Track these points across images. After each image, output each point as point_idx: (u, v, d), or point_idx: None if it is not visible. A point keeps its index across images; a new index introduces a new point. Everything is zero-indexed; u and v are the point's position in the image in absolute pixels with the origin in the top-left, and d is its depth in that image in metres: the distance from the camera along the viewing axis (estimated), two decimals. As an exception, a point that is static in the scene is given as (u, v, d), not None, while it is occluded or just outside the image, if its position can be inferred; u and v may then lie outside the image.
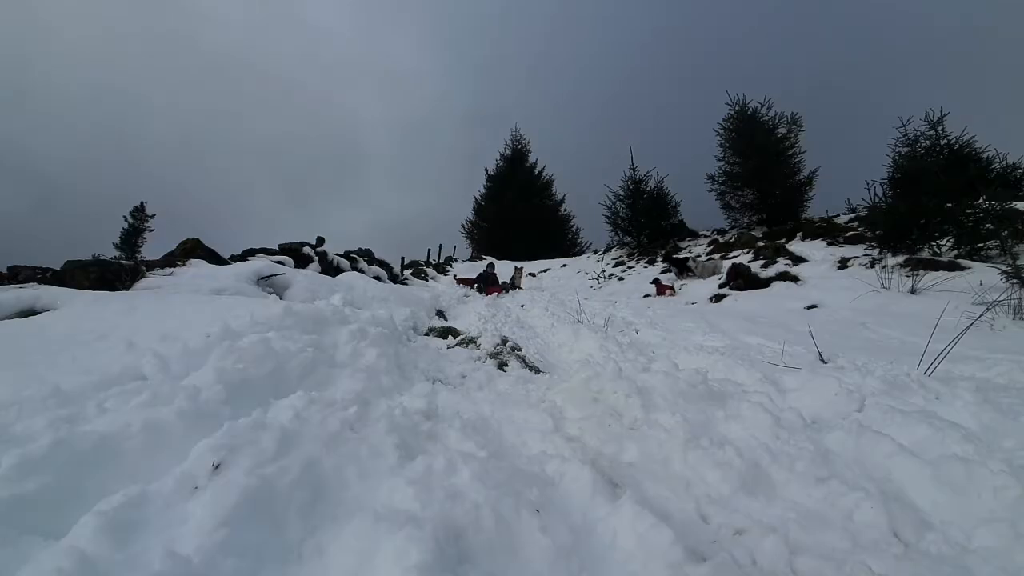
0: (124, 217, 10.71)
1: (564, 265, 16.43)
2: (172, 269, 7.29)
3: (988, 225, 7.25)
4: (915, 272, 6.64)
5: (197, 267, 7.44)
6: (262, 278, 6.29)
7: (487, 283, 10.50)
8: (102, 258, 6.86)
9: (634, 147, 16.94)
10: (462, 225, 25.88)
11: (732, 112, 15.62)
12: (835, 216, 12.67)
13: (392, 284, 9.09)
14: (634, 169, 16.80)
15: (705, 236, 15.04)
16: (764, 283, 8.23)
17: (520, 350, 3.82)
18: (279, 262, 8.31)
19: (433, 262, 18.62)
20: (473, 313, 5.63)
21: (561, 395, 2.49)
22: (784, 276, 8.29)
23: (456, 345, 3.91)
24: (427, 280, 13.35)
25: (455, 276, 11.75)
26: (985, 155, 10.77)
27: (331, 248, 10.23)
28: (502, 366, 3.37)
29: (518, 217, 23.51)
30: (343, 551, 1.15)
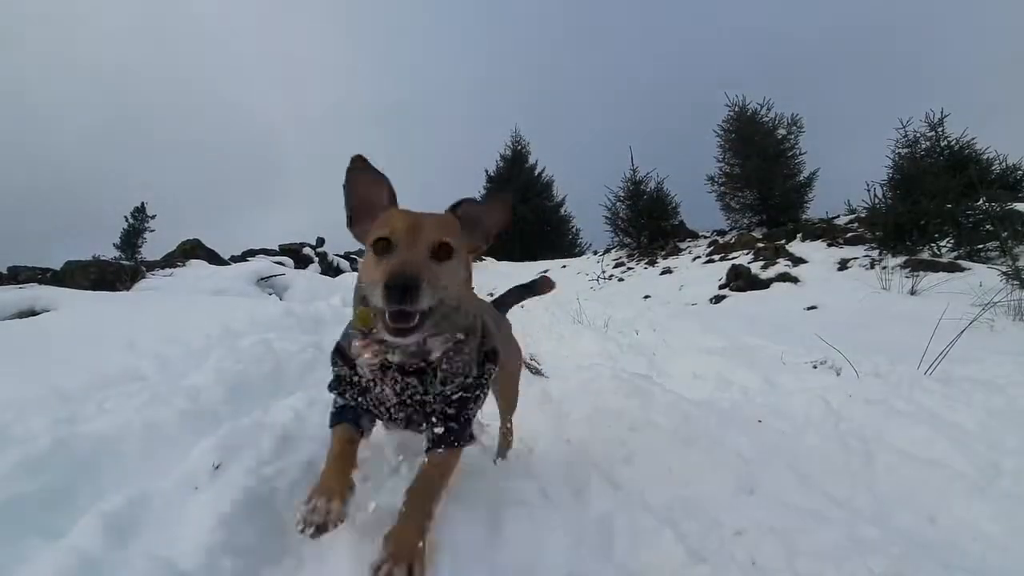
0: (125, 217, 10.73)
1: (564, 266, 16.43)
2: (172, 270, 7.31)
3: (988, 226, 7.25)
4: (915, 273, 6.64)
5: (197, 267, 7.46)
6: (262, 279, 6.30)
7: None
8: (102, 258, 6.87)
9: (634, 148, 16.97)
10: (462, 226, 25.85)
11: (732, 113, 15.63)
12: (835, 217, 12.67)
13: (392, 285, 9.09)
14: (634, 170, 16.82)
15: (705, 237, 15.03)
16: (764, 284, 8.23)
17: (520, 351, 3.82)
18: (279, 263, 8.33)
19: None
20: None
21: (561, 395, 2.49)
22: (784, 277, 8.29)
23: (456, 346, 3.92)
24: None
25: None
26: (985, 156, 10.78)
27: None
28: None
29: (518, 218, 23.51)
30: (344, 551, 1.15)
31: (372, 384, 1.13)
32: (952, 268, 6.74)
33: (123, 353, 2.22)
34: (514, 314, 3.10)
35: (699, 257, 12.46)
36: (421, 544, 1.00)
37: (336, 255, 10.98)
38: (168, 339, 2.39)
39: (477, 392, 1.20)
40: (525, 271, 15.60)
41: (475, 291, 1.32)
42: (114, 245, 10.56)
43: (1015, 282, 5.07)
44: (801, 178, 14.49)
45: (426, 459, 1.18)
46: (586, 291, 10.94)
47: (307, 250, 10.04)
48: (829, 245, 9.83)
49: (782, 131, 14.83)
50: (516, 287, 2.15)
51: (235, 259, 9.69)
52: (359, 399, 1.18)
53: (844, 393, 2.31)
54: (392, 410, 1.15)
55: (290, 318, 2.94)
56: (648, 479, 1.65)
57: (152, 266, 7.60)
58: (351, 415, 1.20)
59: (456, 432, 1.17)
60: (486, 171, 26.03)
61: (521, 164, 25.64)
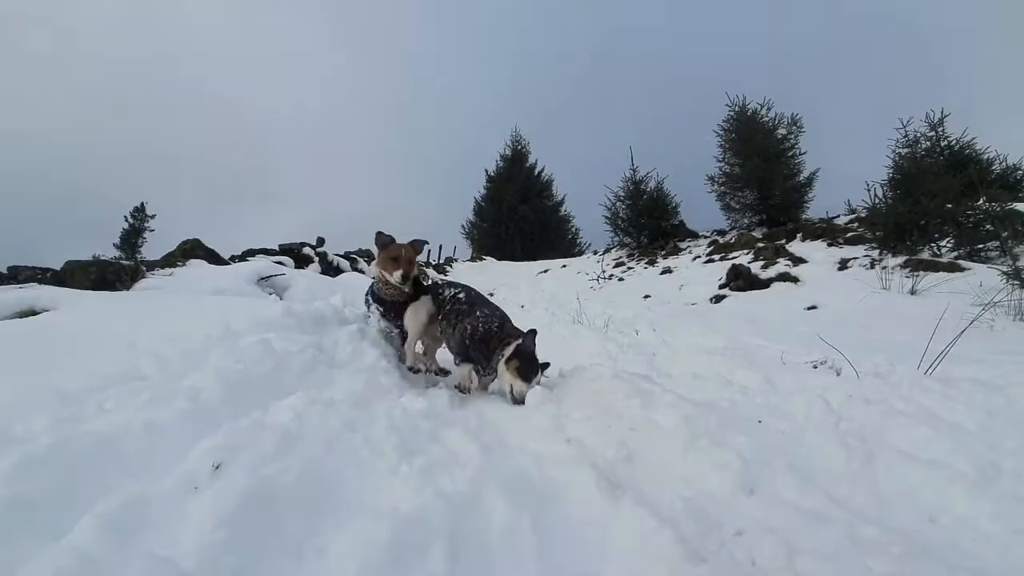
0: (124, 217, 10.72)
1: (564, 266, 16.42)
2: (172, 269, 7.31)
3: (988, 226, 7.25)
4: (915, 273, 6.64)
5: (197, 267, 7.46)
6: (262, 278, 6.30)
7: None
8: (102, 258, 6.87)
9: (634, 147, 16.96)
10: (462, 225, 25.92)
11: (732, 113, 15.62)
12: (835, 217, 12.67)
13: (392, 285, 9.09)
14: (634, 170, 16.82)
15: (705, 237, 15.03)
16: (764, 284, 8.24)
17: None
18: (279, 262, 8.33)
19: (433, 263, 18.63)
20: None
21: (561, 395, 2.49)
22: (784, 277, 8.28)
23: (456, 346, 3.91)
24: (428, 281, 13.32)
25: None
26: (985, 156, 10.78)
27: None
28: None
29: (518, 217, 23.54)
30: (344, 551, 1.15)
31: None
32: (952, 268, 6.74)
33: (123, 353, 2.22)
34: (513, 315, 3.07)
35: (699, 257, 12.46)
36: None
37: (336, 255, 10.98)
38: (168, 339, 2.39)
39: None
40: (525, 270, 15.60)
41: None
42: (114, 245, 10.55)
43: (1015, 282, 5.07)
44: (801, 178, 14.48)
45: None
46: (586, 291, 10.94)
47: (307, 250, 10.04)
48: (829, 245, 9.82)
49: (782, 131, 14.82)
50: None
51: (235, 259, 9.69)
52: None
53: (844, 393, 2.31)
54: None
55: (290, 318, 2.94)
56: (648, 479, 1.66)
57: (152, 266, 7.60)
58: None
59: None
60: (486, 171, 26.07)
61: (521, 164, 25.66)
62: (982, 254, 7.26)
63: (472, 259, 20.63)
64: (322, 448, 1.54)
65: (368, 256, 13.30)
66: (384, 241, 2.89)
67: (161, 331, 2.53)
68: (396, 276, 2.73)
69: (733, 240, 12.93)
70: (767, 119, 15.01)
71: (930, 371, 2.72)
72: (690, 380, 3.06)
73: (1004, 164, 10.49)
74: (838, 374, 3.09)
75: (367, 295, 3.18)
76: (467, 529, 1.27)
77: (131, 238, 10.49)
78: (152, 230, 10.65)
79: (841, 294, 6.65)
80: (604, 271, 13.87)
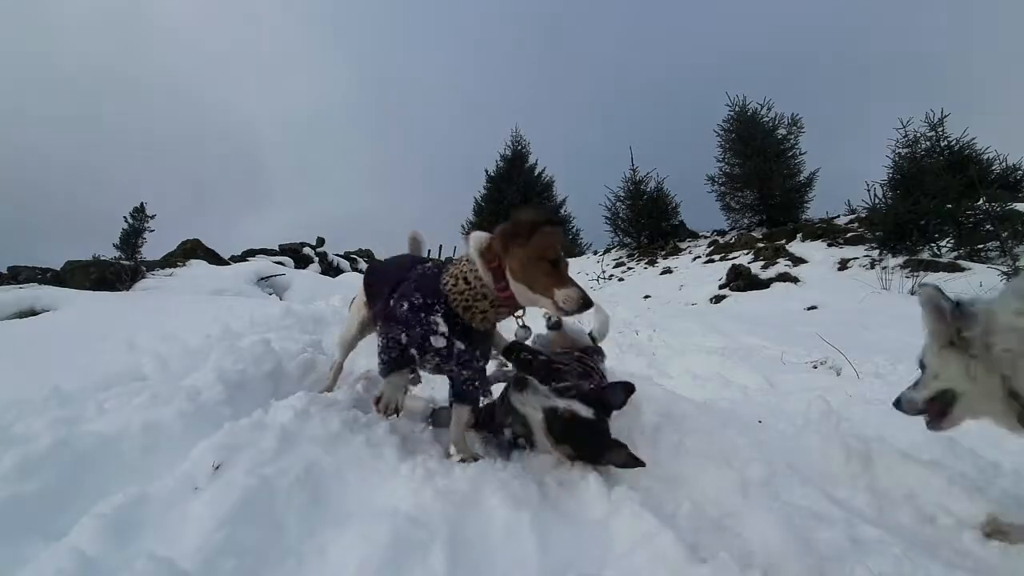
0: (124, 218, 10.70)
1: (564, 266, 16.41)
2: (172, 270, 7.32)
3: (988, 226, 7.26)
4: (915, 273, 6.65)
5: (197, 267, 7.47)
6: (262, 278, 6.30)
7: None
8: (102, 258, 6.87)
9: (634, 147, 16.98)
10: (462, 225, 25.88)
11: (732, 113, 15.64)
12: (835, 217, 12.68)
13: (392, 285, 9.10)
14: (634, 170, 16.83)
15: (705, 237, 15.04)
16: (764, 284, 8.25)
17: (520, 351, 3.82)
18: (279, 263, 8.33)
19: (433, 263, 18.61)
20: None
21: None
22: (784, 277, 8.29)
23: (456, 346, 3.90)
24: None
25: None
26: (985, 156, 10.79)
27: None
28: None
29: (519, 218, 23.54)
30: (344, 552, 1.15)
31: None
32: (952, 268, 6.74)
33: (123, 353, 2.22)
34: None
35: (699, 257, 12.46)
36: None
37: (336, 255, 10.99)
38: (168, 339, 2.39)
39: None
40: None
41: None
42: (114, 245, 10.53)
43: (1015, 282, 5.06)
44: (801, 178, 14.50)
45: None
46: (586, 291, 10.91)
47: (307, 250, 10.05)
48: (829, 245, 9.83)
49: (782, 131, 14.84)
50: None
51: (235, 259, 9.70)
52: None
53: (844, 393, 2.31)
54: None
55: (290, 318, 2.94)
56: (648, 479, 1.65)
57: (152, 266, 7.61)
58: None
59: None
60: (486, 171, 26.02)
61: (521, 164, 25.61)
62: (982, 254, 7.26)
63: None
64: (322, 448, 1.54)
65: (368, 255, 13.21)
66: (533, 219, 1.48)
67: (161, 331, 2.53)
68: (571, 298, 1.46)
69: (733, 240, 12.93)
70: (767, 119, 15.03)
71: (930, 371, 2.71)
72: (690, 380, 3.06)
73: (1004, 164, 10.50)
74: (838, 374, 3.09)
75: (430, 322, 1.56)
76: (467, 529, 1.27)
77: (131, 238, 10.47)
78: (152, 230, 10.63)
79: (841, 294, 6.65)
80: (604, 271, 13.88)
